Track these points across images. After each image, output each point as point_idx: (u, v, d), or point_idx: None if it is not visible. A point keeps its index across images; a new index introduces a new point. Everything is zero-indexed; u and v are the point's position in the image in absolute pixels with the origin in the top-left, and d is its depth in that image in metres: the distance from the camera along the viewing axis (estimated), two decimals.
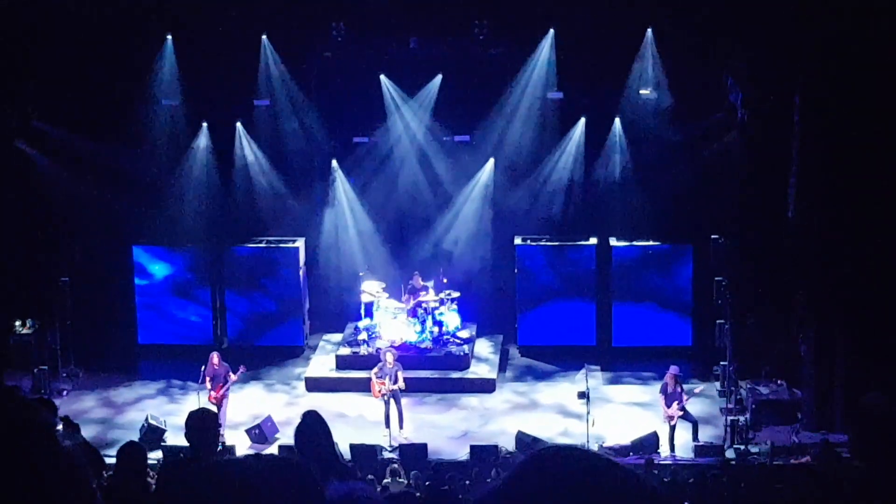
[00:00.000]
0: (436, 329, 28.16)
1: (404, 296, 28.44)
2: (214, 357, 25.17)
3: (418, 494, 14.85)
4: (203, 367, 24.90)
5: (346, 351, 27.98)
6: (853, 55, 23.49)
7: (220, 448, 16.03)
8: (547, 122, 29.01)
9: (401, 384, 24.59)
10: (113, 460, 10.98)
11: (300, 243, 29.38)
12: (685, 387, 24.41)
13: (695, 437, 23.98)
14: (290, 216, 29.73)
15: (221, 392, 24.83)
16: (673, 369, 24.15)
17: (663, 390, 24.10)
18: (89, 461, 9.64)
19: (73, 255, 27.82)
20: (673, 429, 23.96)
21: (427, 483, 20.06)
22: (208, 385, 24.84)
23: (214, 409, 24.55)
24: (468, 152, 29.41)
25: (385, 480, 20.67)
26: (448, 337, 28.23)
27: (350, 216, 30.06)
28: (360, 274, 29.01)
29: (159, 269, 29.32)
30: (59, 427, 10.74)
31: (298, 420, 8.82)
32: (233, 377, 24.92)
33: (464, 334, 28.45)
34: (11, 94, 27.67)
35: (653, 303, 28.41)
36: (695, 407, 25.25)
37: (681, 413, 23.90)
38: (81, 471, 3.44)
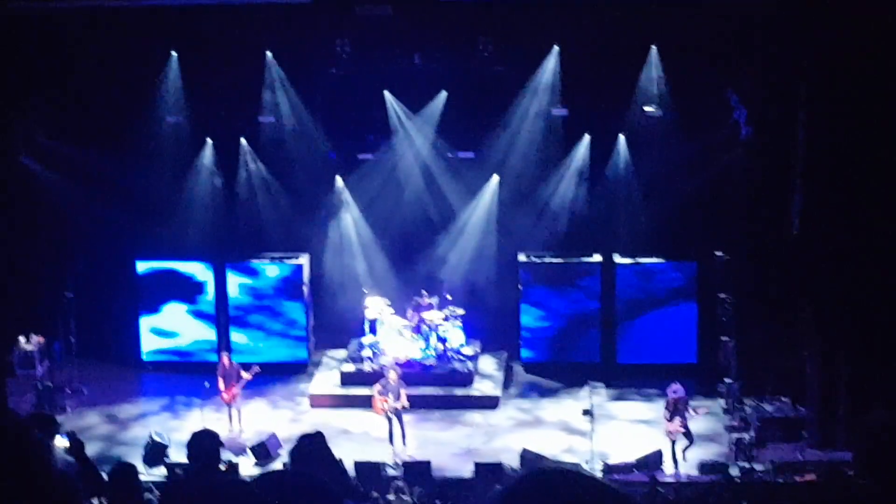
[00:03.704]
0: (440, 345, 28.14)
1: (408, 312, 28.42)
2: (225, 358, 25.80)
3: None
4: (207, 384, 24.99)
5: (350, 367, 27.96)
6: (856, 71, 23.49)
7: (223, 467, 16.02)
8: (551, 139, 29.02)
9: (404, 402, 24.55)
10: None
11: (304, 259, 29.38)
12: (693, 404, 24.36)
13: (682, 455, 23.93)
14: (294, 232, 29.75)
15: (234, 391, 25.43)
16: (672, 390, 24.09)
17: (668, 407, 24.10)
18: (88, 481, 9.62)
19: (78, 271, 27.81)
20: (674, 444, 23.95)
21: (433, 500, 20.06)
22: (221, 385, 25.42)
23: (227, 406, 25.59)
24: (472, 169, 29.42)
25: (389, 497, 20.65)
26: (452, 353, 28.21)
27: (354, 232, 30.07)
28: (365, 290, 29.01)
29: (164, 285, 29.29)
30: (66, 443, 10.71)
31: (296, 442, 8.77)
32: (246, 375, 25.43)
33: (468, 351, 28.42)
34: (16, 111, 27.72)
35: (657, 320, 28.37)
36: (699, 424, 25.19)
37: (682, 430, 23.87)
38: (72, 492, 3.45)
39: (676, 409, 23.90)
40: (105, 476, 10.64)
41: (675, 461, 23.87)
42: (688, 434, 23.93)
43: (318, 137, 29.18)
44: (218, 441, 9.52)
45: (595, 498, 3.19)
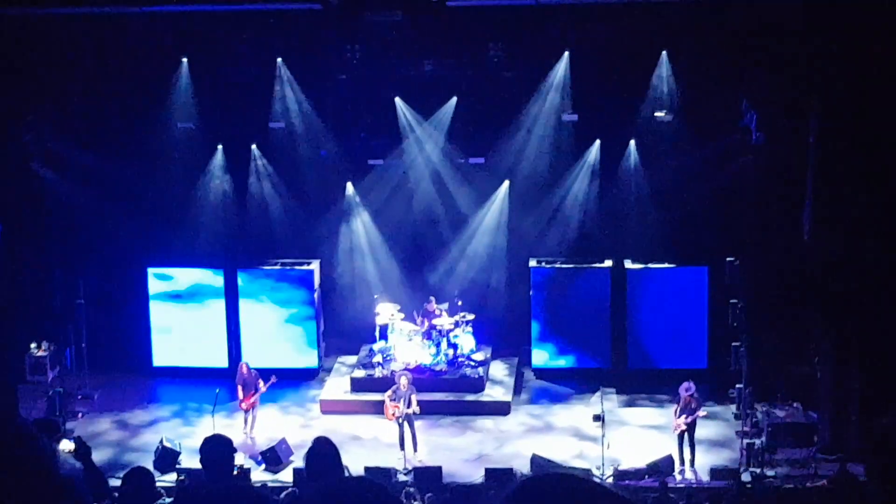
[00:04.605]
0: (450, 351, 28.13)
1: (419, 318, 28.42)
2: (244, 367, 25.91)
3: None
4: (217, 391, 25.02)
5: (360, 373, 27.94)
6: (868, 76, 23.45)
7: (235, 472, 16.04)
8: (562, 145, 29.00)
9: (415, 407, 24.56)
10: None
11: (315, 265, 29.38)
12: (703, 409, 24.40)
13: (691, 459, 24.01)
14: (305, 238, 29.76)
15: (252, 400, 25.66)
16: (685, 388, 24.19)
17: (679, 404, 24.20)
18: (93, 487, 9.64)
19: (89, 278, 27.85)
20: (680, 438, 24.03)
21: None
22: (240, 394, 25.69)
23: (244, 414, 25.88)
24: (483, 174, 29.42)
25: None
26: (463, 359, 28.19)
27: (365, 238, 30.08)
28: (375, 296, 29.03)
29: (174, 292, 29.28)
30: (71, 447, 10.73)
31: (309, 445, 8.80)
32: (262, 387, 25.61)
33: (478, 357, 28.40)
34: (27, 117, 27.77)
35: (668, 325, 28.32)
36: (710, 430, 25.22)
37: (684, 427, 23.93)
38: (78, 497, 3.45)
39: (687, 407, 24.00)
40: (110, 482, 10.66)
41: (682, 459, 23.91)
42: (691, 443, 23.97)
43: (328, 142, 29.20)
44: (231, 447, 9.52)
45: (596, 502, 3.19)
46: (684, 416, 23.97)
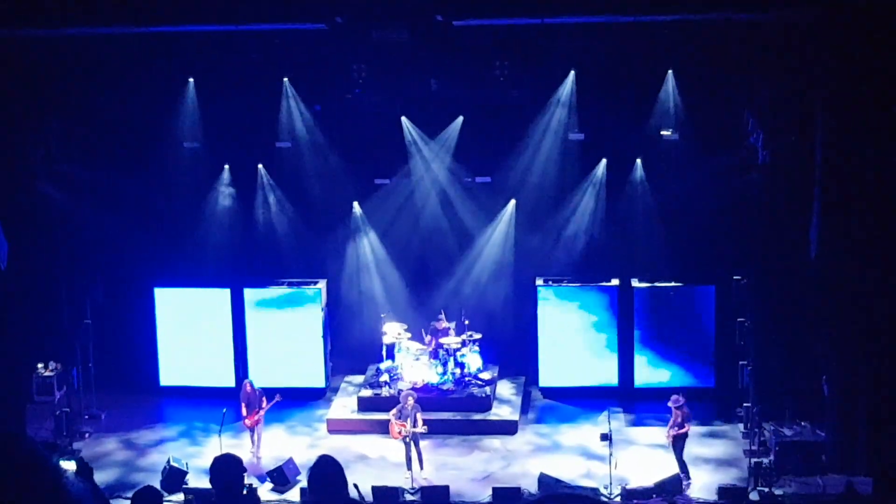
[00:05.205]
0: (458, 370, 28.11)
1: (426, 337, 28.42)
2: (248, 385, 26.00)
3: None
4: (224, 410, 24.99)
5: (367, 393, 27.93)
6: (874, 93, 23.43)
7: (245, 492, 16.01)
8: (568, 163, 29.02)
9: (420, 426, 24.51)
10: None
11: (322, 285, 29.38)
12: (712, 428, 24.36)
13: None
14: (312, 257, 29.79)
15: (255, 418, 25.70)
16: (674, 400, 24.26)
17: (675, 418, 24.25)
18: None
19: (96, 297, 27.87)
20: (675, 450, 24.06)
21: None
22: (244, 411, 25.73)
23: (249, 432, 25.89)
24: (489, 193, 29.44)
25: None
26: (470, 378, 28.18)
27: (372, 257, 30.10)
28: (382, 315, 29.02)
29: (180, 311, 29.29)
30: (73, 467, 10.71)
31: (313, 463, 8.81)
32: (265, 405, 25.65)
33: (485, 376, 28.39)
34: (35, 137, 27.82)
35: (675, 344, 28.29)
36: (718, 448, 25.16)
37: (669, 440, 24.05)
38: None
39: (674, 421, 24.12)
40: (118, 502, 10.66)
41: (682, 463, 23.95)
42: (681, 465, 24.00)
43: (334, 162, 29.25)
44: (241, 466, 9.53)
45: None
46: (671, 429, 24.12)
